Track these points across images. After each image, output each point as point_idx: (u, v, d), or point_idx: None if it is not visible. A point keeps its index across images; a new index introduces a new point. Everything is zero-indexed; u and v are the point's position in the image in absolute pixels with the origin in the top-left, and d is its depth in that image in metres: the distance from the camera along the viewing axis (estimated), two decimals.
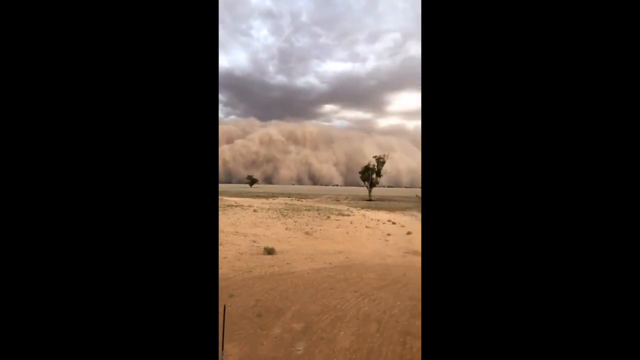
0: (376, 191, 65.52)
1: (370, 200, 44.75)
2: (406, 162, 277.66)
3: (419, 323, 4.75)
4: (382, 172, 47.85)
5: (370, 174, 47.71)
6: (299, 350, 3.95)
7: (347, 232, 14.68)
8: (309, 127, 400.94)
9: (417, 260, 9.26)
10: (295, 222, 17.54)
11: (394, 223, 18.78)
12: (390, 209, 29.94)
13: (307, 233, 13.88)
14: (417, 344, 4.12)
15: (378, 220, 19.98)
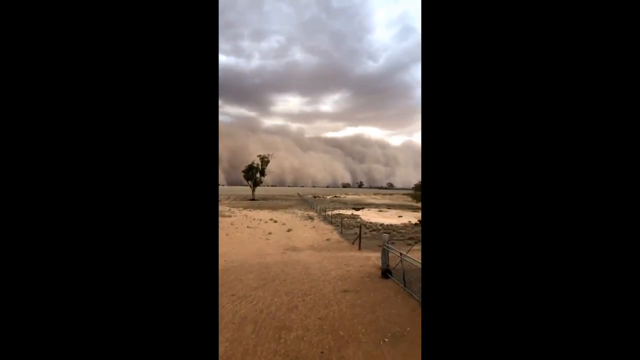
0: (261, 190, 65.19)
1: (253, 199, 44.24)
2: (290, 161, 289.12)
3: (293, 316, 5.01)
4: (266, 171, 48.11)
5: (254, 173, 47.16)
6: None
7: (227, 234, 14.05)
8: None
9: (296, 256, 9.78)
10: None
11: (275, 221, 19.20)
12: (273, 208, 30.48)
13: None
14: (291, 336, 4.34)
15: (260, 220, 19.98)
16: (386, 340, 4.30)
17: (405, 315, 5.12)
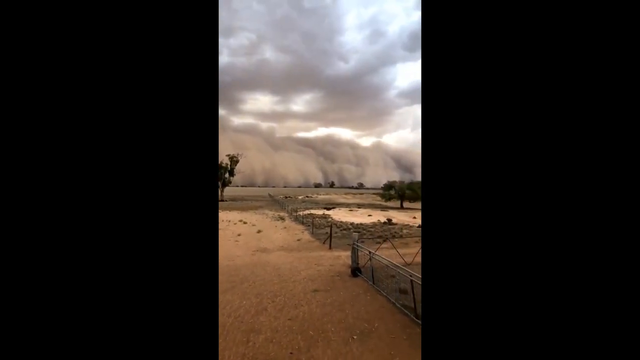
0: (230, 191, 63.38)
1: (222, 200, 42.93)
2: (261, 161, 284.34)
3: (263, 318, 4.93)
4: (235, 171, 46.86)
5: (222, 173, 45.73)
6: None
7: None
8: None
9: (266, 257, 9.63)
10: None
11: (245, 223, 18.78)
12: (242, 209, 29.79)
13: None
14: (260, 339, 4.27)
15: (229, 221, 19.43)
16: (355, 337, 4.38)
17: (373, 311, 5.25)
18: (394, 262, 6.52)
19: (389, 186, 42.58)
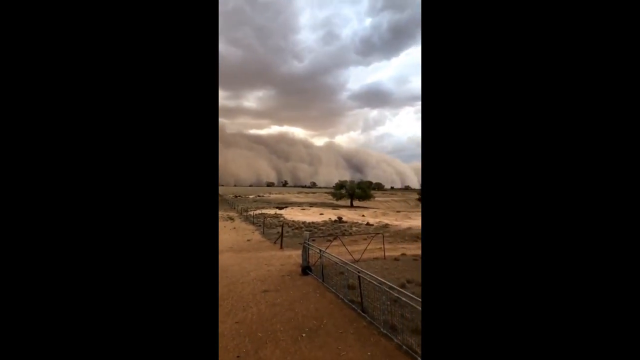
0: None
1: None
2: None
3: None
4: None
5: None
6: None
7: None
8: None
9: None
10: None
11: None
12: None
13: None
14: None
15: None
16: (304, 335, 4.42)
17: (322, 309, 5.35)
18: (344, 260, 6.74)
19: (340, 185, 43.81)
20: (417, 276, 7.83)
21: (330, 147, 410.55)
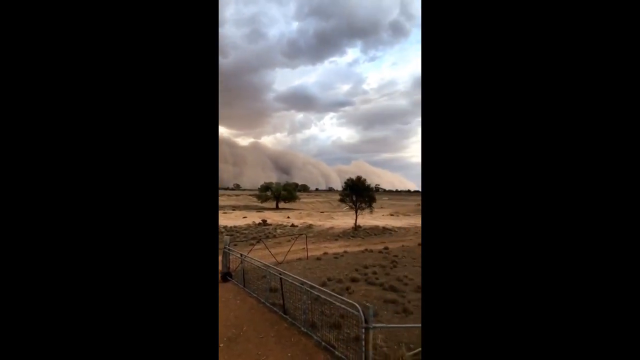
0: None
1: None
2: None
3: None
4: None
5: None
6: None
7: None
8: None
9: None
10: None
11: None
12: None
13: None
14: None
15: None
16: (221, 345, 4.19)
17: (242, 315, 5.17)
18: (266, 263, 6.64)
19: (265, 187, 43.09)
20: (338, 273, 8.26)
21: (256, 147, 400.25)
